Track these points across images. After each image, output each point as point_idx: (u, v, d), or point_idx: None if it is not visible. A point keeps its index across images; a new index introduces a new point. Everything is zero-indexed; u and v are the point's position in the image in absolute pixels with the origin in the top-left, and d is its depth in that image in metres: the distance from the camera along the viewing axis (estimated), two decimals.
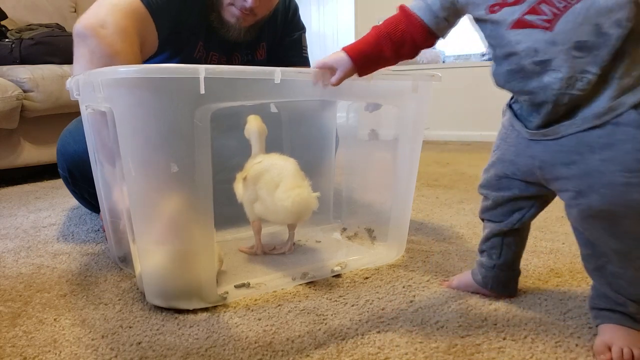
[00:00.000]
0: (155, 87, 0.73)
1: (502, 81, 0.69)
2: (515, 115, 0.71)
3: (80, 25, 0.99)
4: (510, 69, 0.66)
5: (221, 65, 0.74)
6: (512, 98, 0.72)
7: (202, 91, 0.72)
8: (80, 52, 1.00)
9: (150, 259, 0.81)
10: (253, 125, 1.04)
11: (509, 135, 0.72)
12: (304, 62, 1.37)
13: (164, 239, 0.79)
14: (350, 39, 3.74)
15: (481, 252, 0.83)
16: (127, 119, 0.76)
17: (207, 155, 0.76)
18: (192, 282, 0.81)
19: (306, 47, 1.37)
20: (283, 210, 0.92)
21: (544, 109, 0.65)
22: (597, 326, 0.69)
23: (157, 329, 0.75)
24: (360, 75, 0.81)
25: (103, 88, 0.78)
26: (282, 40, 1.34)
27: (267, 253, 1.07)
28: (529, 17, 0.62)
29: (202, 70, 0.71)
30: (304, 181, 0.95)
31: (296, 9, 1.37)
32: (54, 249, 1.17)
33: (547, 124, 0.65)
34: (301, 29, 1.37)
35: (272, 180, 0.94)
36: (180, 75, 0.72)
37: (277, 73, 0.78)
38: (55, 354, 0.69)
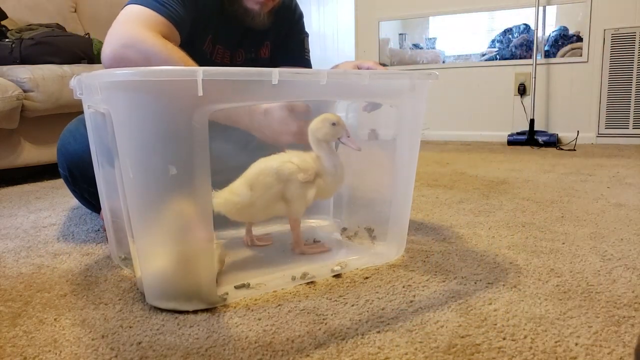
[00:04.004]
0: (152, 89, 0.72)
1: None
2: None
3: (106, 56, 0.96)
4: None
5: (218, 67, 0.74)
6: None
7: (200, 93, 0.72)
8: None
9: (150, 261, 0.81)
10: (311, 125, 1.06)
11: None
12: (305, 63, 1.40)
13: (163, 241, 0.79)
14: (350, 39, 3.73)
15: None
16: (124, 121, 0.76)
17: (206, 158, 0.76)
18: (192, 283, 0.81)
19: (309, 50, 1.41)
20: None
21: None
22: None
23: (157, 329, 0.75)
24: None
25: (101, 90, 0.78)
26: (285, 41, 1.36)
27: (254, 244, 1.12)
28: None
29: (199, 72, 0.71)
30: (233, 185, 0.97)
31: (301, 14, 1.41)
32: (54, 249, 1.17)
33: None
34: (305, 33, 1.40)
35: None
36: (177, 78, 0.72)
37: (275, 74, 0.77)
38: (56, 354, 0.69)
